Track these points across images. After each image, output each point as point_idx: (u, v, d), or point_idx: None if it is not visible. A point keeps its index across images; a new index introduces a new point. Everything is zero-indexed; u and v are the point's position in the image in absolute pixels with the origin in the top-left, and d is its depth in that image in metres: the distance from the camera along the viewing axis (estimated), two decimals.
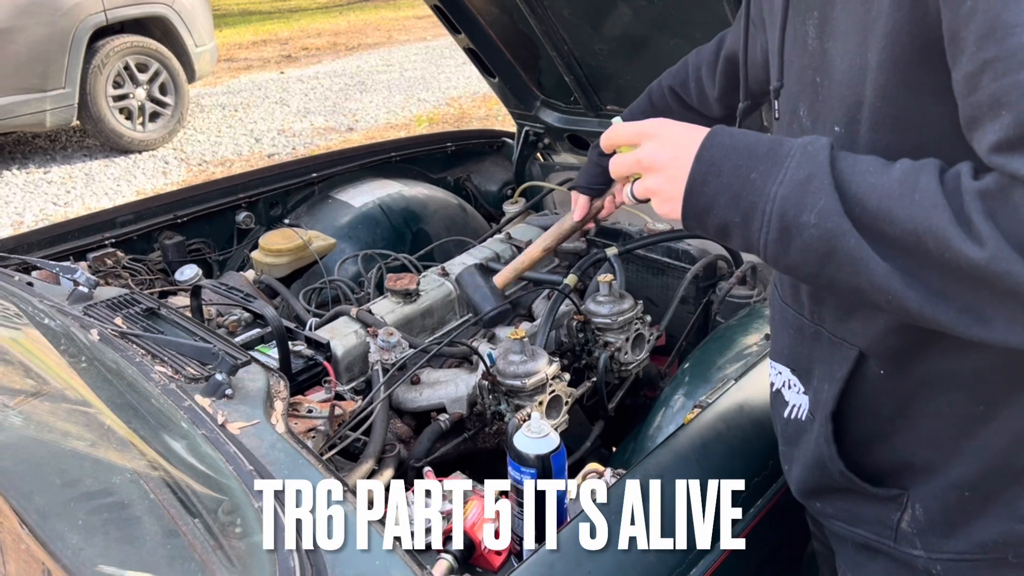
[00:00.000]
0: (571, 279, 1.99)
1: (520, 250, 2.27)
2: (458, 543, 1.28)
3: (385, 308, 1.99)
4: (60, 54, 5.95)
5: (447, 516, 1.34)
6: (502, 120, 6.39)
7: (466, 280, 1.90)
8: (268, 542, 1.02)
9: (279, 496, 1.12)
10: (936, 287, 0.73)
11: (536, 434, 1.28)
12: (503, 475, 1.49)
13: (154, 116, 6.72)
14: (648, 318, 2.01)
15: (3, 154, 6.68)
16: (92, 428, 1.17)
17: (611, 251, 2.06)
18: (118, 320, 1.55)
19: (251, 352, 1.56)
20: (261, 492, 1.10)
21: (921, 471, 0.96)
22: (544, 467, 1.26)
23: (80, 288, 1.64)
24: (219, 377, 1.36)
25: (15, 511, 1.05)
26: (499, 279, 1.92)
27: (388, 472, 1.60)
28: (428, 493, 1.41)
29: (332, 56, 10.64)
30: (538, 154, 3.03)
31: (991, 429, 0.88)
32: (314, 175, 2.67)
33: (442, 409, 1.82)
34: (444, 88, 8.76)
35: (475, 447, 1.86)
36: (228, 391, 1.36)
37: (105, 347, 1.39)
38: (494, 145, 3.14)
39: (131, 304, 1.63)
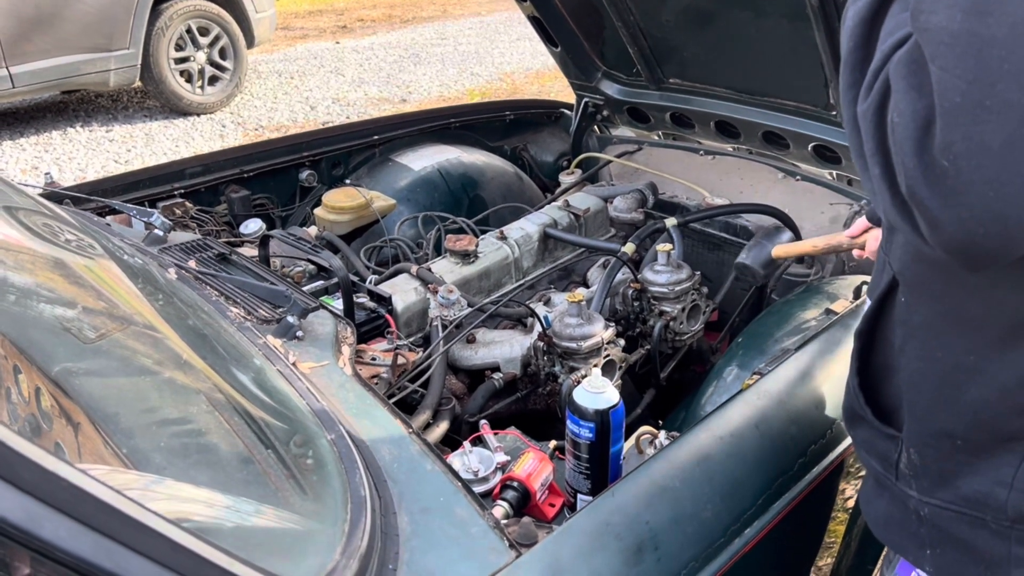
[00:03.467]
0: (629, 247, 2.00)
1: (578, 218, 2.29)
2: (513, 491, 1.31)
3: (444, 268, 2.03)
4: (126, 15, 6.06)
5: (502, 467, 1.37)
6: (555, 97, 6.38)
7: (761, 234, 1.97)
8: (339, 474, 1.06)
9: (349, 432, 1.16)
10: None
11: (596, 389, 1.30)
12: (553, 436, 1.52)
13: (213, 80, 6.83)
14: (705, 290, 2.02)
15: (68, 112, 6.85)
16: (171, 359, 1.22)
17: (670, 222, 2.06)
18: (192, 263, 1.60)
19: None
20: (333, 425, 1.14)
21: (908, 414, 0.99)
22: (603, 422, 1.28)
23: (155, 231, 1.70)
24: (290, 319, 1.40)
25: (100, 432, 1.10)
26: (779, 251, 1.94)
27: (443, 424, 1.64)
28: (485, 444, 1.45)
29: (387, 28, 10.67)
30: (596, 126, 3.02)
31: (978, 383, 0.89)
32: (375, 138, 2.70)
33: (496, 368, 1.86)
34: (497, 63, 8.75)
35: (526, 407, 1.89)
36: (299, 333, 1.40)
37: (182, 285, 1.44)
38: (552, 116, 3.14)
39: (204, 249, 1.69)
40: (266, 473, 1.09)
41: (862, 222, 1.55)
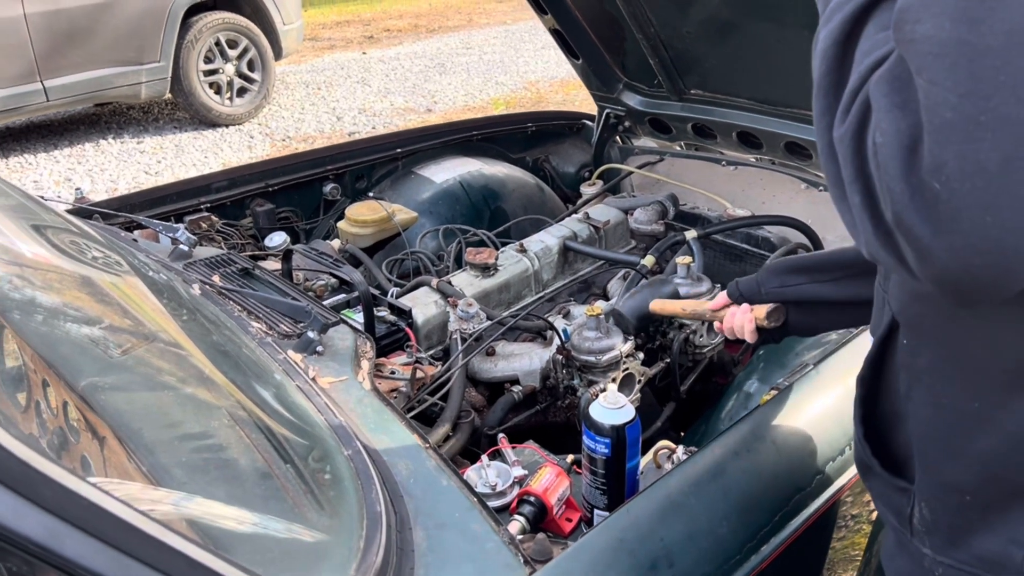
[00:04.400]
0: (648, 260, 2.00)
1: (598, 230, 2.30)
2: (530, 506, 1.32)
3: (464, 281, 2.04)
4: (156, 28, 6.18)
5: (519, 481, 1.38)
6: (579, 105, 6.39)
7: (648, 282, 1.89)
8: (356, 489, 1.08)
9: (366, 448, 1.18)
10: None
11: (612, 405, 1.30)
12: (572, 449, 1.53)
13: (242, 91, 6.93)
14: None
15: (100, 124, 6.99)
16: (194, 375, 1.24)
17: (690, 234, 2.06)
18: (216, 278, 1.63)
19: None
20: (350, 441, 1.16)
21: (919, 465, 0.92)
22: (619, 438, 1.29)
23: (181, 246, 1.74)
24: (311, 334, 1.42)
25: (124, 446, 1.13)
26: (655, 306, 1.81)
27: (462, 437, 1.65)
28: (503, 458, 1.45)
29: (413, 38, 10.76)
30: (618, 137, 3.03)
31: (986, 431, 0.82)
32: (398, 151, 2.73)
33: (515, 381, 1.86)
34: (522, 72, 8.78)
35: (546, 420, 1.90)
36: (319, 348, 1.42)
37: (206, 301, 1.47)
38: (574, 127, 3.15)
39: (227, 264, 1.72)
40: (284, 488, 1.10)
41: (723, 296, 1.43)
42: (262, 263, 2.17)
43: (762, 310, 1.31)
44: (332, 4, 13.23)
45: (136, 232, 1.96)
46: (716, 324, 1.48)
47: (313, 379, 1.34)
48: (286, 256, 1.87)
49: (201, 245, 2.12)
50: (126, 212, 2.09)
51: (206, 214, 2.25)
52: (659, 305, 1.76)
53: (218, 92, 6.76)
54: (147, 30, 6.13)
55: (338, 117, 7.23)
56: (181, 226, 1.80)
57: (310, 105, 7.58)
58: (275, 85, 7.41)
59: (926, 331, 0.86)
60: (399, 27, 11.48)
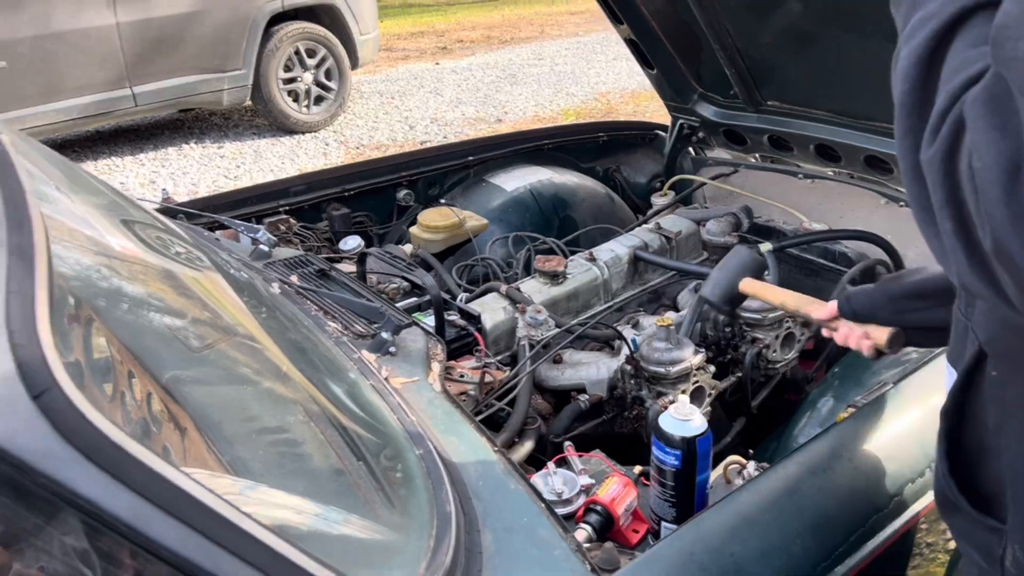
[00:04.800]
0: None
1: (669, 240, 2.27)
2: (597, 515, 1.31)
3: (533, 288, 2.05)
4: (240, 37, 6.39)
5: (586, 490, 1.37)
6: (650, 117, 6.35)
7: (733, 255, 1.73)
8: (427, 489, 1.09)
9: (437, 449, 1.19)
10: None
11: (683, 416, 1.29)
12: (637, 461, 1.51)
13: (318, 100, 7.09)
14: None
15: (183, 129, 7.25)
16: (272, 370, 1.27)
17: (765, 246, 2.02)
18: (294, 278, 1.67)
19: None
20: (422, 441, 1.17)
21: (1012, 504, 0.86)
22: (689, 450, 1.27)
23: (261, 246, 1.79)
24: (384, 335, 1.45)
25: (204, 437, 1.16)
26: (747, 286, 1.68)
27: (528, 443, 1.65)
28: (569, 466, 1.45)
29: (485, 49, 10.86)
30: (691, 148, 3.00)
31: None
32: (470, 158, 2.76)
33: (582, 390, 1.86)
34: (593, 83, 8.77)
35: (611, 430, 1.88)
36: (392, 348, 1.44)
37: (284, 299, 1.51)
38: (646, 137, 3.13)
39: (305, 265, 1.76)
40: (357, 485, 1.12)
41: (832, 307, 1.33)
42: (337, 266, 2.22)
43: (882, 336, 1.22)
44: (407, 15, 13.47)
45: (218, 232, 2.02)
46: (826, 331, 1.40)
47: (386, 379, 1.36)
48: (361, 259, 1.91)
49: (279, 247, 2.18)
50: (209, 212, 2.16)
51: (284, 216, 2.31)
52: (750, 286, 1.62)
53: (296, 100, 6.94)
54: (231, 39, 6.34)
55: (410, 126, 7.34)
56: (261, 227, 1.86)
57: (383, 114, 7.71)
58: (350, 94, 7.56)
59: (1020, 362, 0.82)
60: (472, 38, 11.61)
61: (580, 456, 1.48)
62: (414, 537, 1.00)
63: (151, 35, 5.97)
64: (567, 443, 1.50)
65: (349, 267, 2.04)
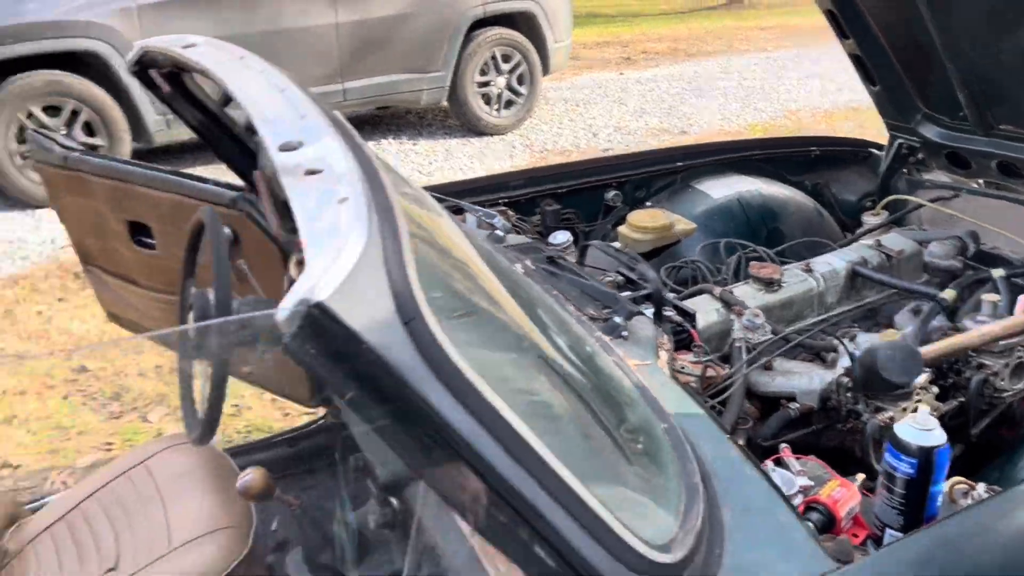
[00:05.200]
0: (949, 294, 1.92)
1: (890, 259, 2.23)
2: (818, 514, 1.33)
3: (746, 293, 2.07)
4: (442, 41, 6.74)
5: (804, 491, 1.40)
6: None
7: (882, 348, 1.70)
8: (674, 460, 1.16)
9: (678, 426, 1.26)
10: None
11: (922, 426, 1.29)
12: (842, 474, 1.51)
13: (508, 104, 7.36)
14: None
15: (381, 125, 7.72)
16: (526, 341, 1.38)
17: (998, 272, 1.95)
18: (527, 262, 1.79)
19: None
20: (665, 416, 1.25)
21: None
22: (927, 460, 1.27)
23: (496, 231, 1.92)
24: (617, 319, 1.53)
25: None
26: (928, 351, 1.72)
27: (740, 442, 1.68)
28: (786, 466, 1.48)
29: (670, 60, 10.82)
30: (907, 168, 2.90)
31: None
32: (679, 164, 2.81)
33: (792, 398, 1.86)
34: (783, 100, 8.55)
35: (818, 441, 1.88)
36: (624, 333, 1.53)
37: (527, 279, 1.63)
38: (859, 155, 3.06)
39: (535, 251, 1.88)
40: (601, 450, 1.21)
41: None
42: None
43: None
44: (592, 24, 13.62)
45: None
46: None
47: (621, 359, 1.44)
48: (583, 251, 2.01)
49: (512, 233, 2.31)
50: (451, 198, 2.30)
51: (504, 208, 2.45)
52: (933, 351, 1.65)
53: (488, 103, 7.22)
54: (435, 42, 6.71)
55: (594, 133, 7.46)
56: (496, 214, 2.00)
57: (568, 120, 7.88)
58: (538, 100, 7.78)
59: None
60: (657, 50, 11.60)
61: (798, 459, 1.50)
62: (668, 501, 1.07)
63: (365, 34, 6.41)
64: (783, 445, 1.53)
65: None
